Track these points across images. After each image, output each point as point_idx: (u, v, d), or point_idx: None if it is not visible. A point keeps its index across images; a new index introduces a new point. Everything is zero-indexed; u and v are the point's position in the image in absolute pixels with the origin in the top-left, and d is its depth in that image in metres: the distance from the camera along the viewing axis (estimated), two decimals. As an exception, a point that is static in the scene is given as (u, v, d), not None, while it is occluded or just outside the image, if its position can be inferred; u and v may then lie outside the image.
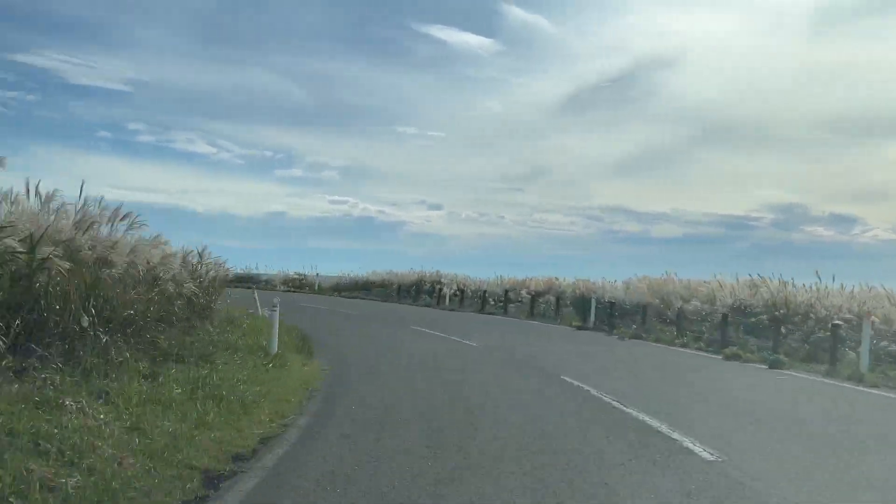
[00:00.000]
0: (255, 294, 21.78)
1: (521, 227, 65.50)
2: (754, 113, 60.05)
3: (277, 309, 12.30)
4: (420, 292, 35.13)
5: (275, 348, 11.68)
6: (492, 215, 69.61)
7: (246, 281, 46.94)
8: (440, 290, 32.59)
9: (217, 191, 69.78)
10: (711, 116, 62.16)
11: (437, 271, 36.92)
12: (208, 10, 59.57)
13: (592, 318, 21.65)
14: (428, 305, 31.84)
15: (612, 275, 27.99)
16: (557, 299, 25.54)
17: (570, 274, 30.66)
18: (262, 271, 49.10)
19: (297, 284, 43.72)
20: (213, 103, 67.01)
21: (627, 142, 65.57)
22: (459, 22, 68.87)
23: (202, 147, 65.21)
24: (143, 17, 59.32)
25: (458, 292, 32.07)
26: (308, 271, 45.55)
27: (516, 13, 61.35)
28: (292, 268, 47.22)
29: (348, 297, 36.68)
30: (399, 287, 36.12)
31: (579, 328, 21.32)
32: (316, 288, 41.14)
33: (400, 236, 64.60)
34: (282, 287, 42.92)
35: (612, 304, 21.45)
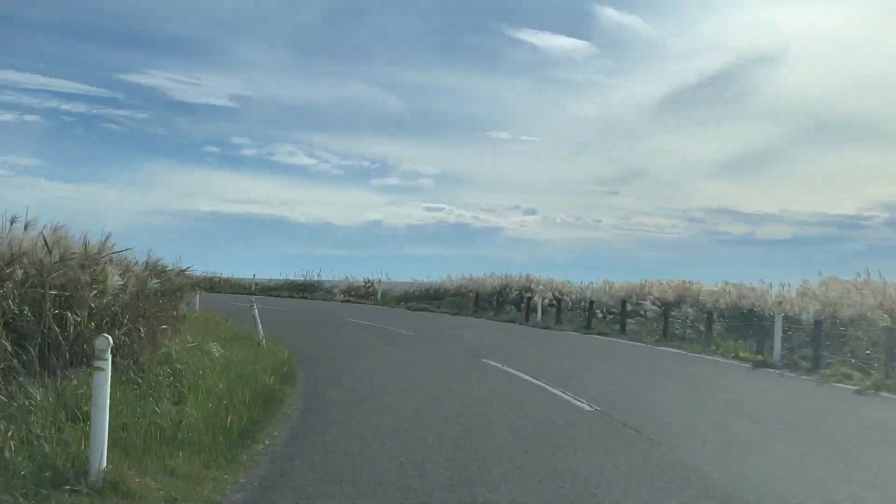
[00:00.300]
0: (255, 310, 14.99)
1: (618, 230, 63.39)
2: (864, 108, 55.81)
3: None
4: (504, 302, 27.43)
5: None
6: (587, 219, 67.62)
7: (303, 290, 40.98)
8: (529, 298, 24.79)
9: (317, 201, 73.11)
10: (818, 112, 58.75)
11: (527, 275, 29.11)
12: (307, 25, 61.06)
13: (778, 347, 13.24)
14: (513, 320, 24.12)
15: (713, 278, 21.32)
16: (708, 316, 17.07)
17: (669, 277, 23.60)
18: (325, 278, 42.89)
19: (362, 293, 36.92)
20: (312, 116, 68.85)
21: (729, 140, 62.66)
22: (552, 25, 68.16)
23: (302, 159, 67.08)
24: (246, 34, 62.90)
25: (553, 302, 24.18)
26: (378, 277, 38.74)
27: (610, 14, 59.69)
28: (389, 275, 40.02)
29: (415, 309, 29.47)
30: (477, 296, 28.53)
31: (757, 365, 13.04)
32: (378, 298, 34.18)
33: (496, 242, 63.95)
34: (341, 297, 36.31)
35: (817, 322, 12.98)
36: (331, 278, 42.54)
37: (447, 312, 27.73)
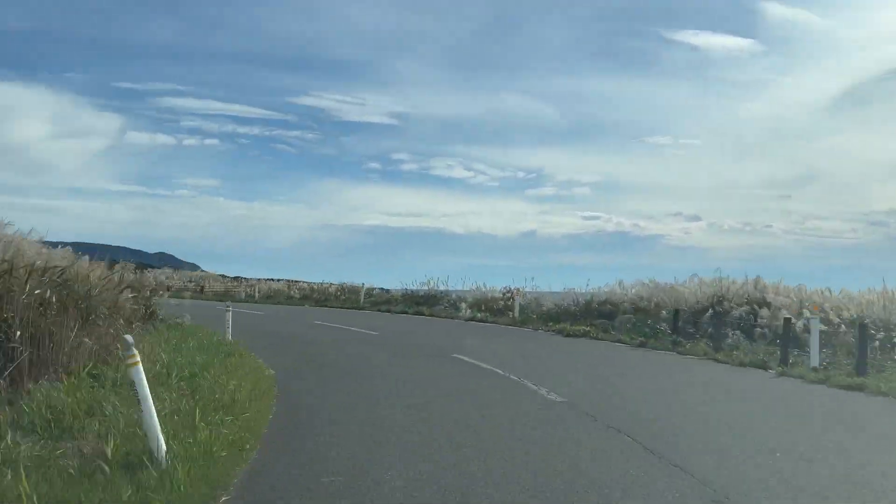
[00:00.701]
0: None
1: (791, 235, 56.08)
2: None
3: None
4: (722, 324, 16.33)
5: None
6: (757, 224, 55.59)
7: (422, 302, 31.89)
8: (789, 321, 13.67)
9: (474, 212, 69.31)
10: None
11: (756, 280, 17.85)
12: (463, 40, 62.57)
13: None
14: (762, 366, 13.01)
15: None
16: None
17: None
18: (452, 288, 33.55)
19: (498, 307, 27.03)
20: (468, 129, 69.52)
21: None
22: (714, 25, 59.31)
23: (460, 172, 67.56)
24: (406, 53, 63.05)
25: (840, 326, 12.94)
26: (520, 284, 28.70)
27: (777, 10, 51.02)
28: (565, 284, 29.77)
29: (571, 335, 19.12)
30: (676, 314, 17.48)
31: None
32: (516, 315, 24.06)
33: (656, 250, 54.78)
34: (468, 311, 26.62)
35: None
36: (459, 286, 33.09)
37: (623, 342, 17.08)
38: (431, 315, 27.59)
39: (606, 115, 62.31)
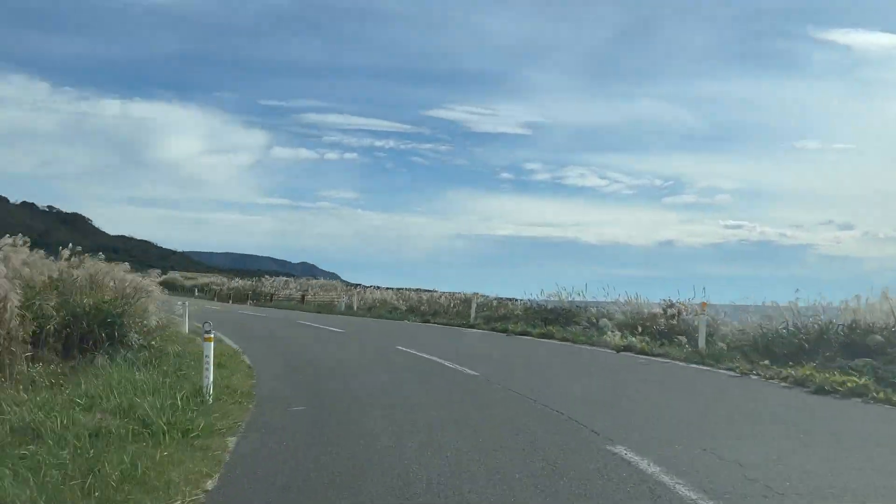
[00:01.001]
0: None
1: None
2: None
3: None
4: None
5: None
6: None
7: (552, 320, 23.82)
8: None
9: (608, 222, 61.69)
10: None
11: None
12: (596, 47, 54.99)
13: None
14: None
15: None
16: None
17: None
18: (594, 299, 25.24)
19: (660, 330, 18.53)
20: (602, 137, 61.75)
21: None
22: (868, 23, 46.31)
23: (593, 180, 60.46)
24: (539, 63, 58.07)
25: None
26: (689, 296, 19.97)
27: None
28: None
29: (850, 395, 10.40)
30: None
31: None
32: (701, 345, 15.13)
33: (805, 261, 42.87)
34: (616, 335, 18.15)
35: None
36: (603, 298, 24.66)
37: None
38: (564, 339, 19.54)
39: (750, 120, 52.11)
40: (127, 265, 15.65)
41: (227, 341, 17.20)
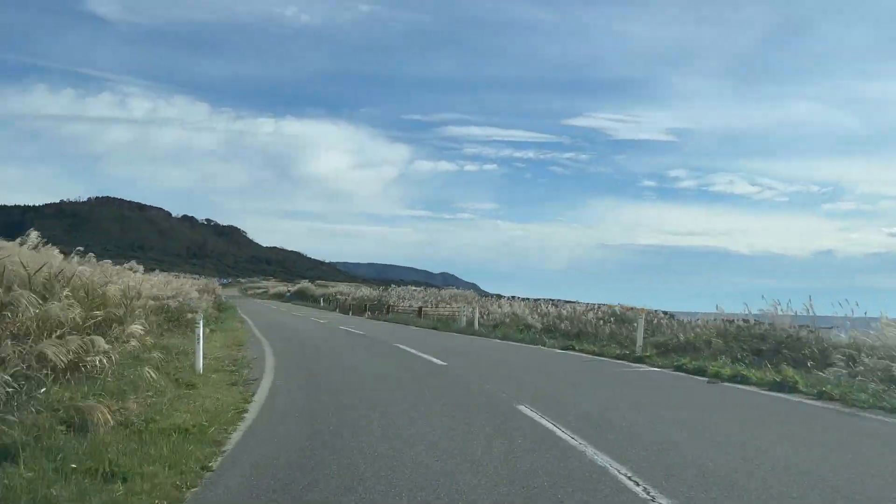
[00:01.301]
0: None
1: None
2: None
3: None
4: None
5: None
6: None
7: (776, 350, 15.02)
8: None
9: (759, 230, 51.88)
10: None
11: None
12: (746, 49, 46.37)
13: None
14: None
15: None
16: None
17: None
18: (797, 313, 16.23)
19: None
20: (753, 142, 52.62)
21: None
22: None
23: (743, 187, 52.01)
24: (684, 67, 50.38)
25: None
26: None
27: None
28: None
29: None
30: None
31: None
32: None
33: None
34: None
35: None
36: (827, 313, 15.93)
37: None
38: (825, 395, 10.84)
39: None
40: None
41: (264, 381, 10.64)
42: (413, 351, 18.07)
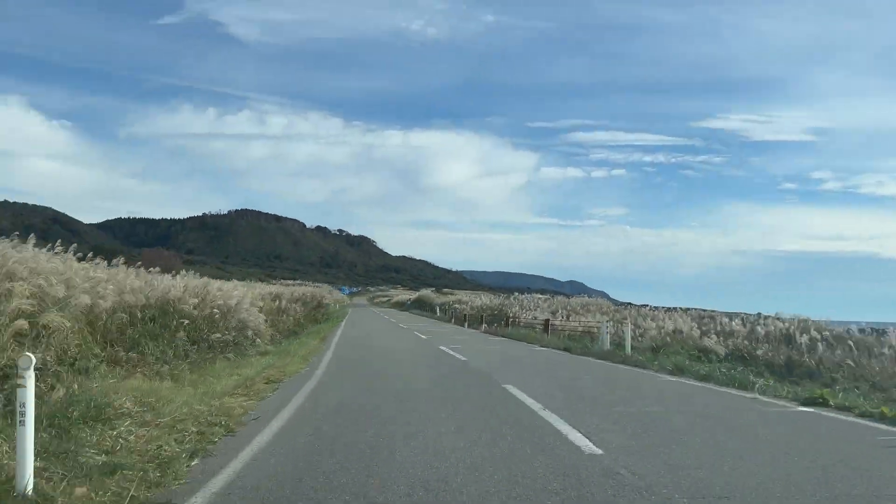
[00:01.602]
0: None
1: None
2: None
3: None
4: None
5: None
6: None
7: None
8: None
9: None
10: None
11: None
12: (894, 43, 32.30)
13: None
14: None
15: None
16: None
17: None
18: None
19: None
20: None
21: None
22: None
23: (894, 188, 42.49)
24: (825, 64, 41.94)
25: None
26: None
27: None
28: None
29: None
30: None
31: None
32: None
33: None
34: None
35: None
36: None
37: None
38: None
39: None
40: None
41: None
42: (537, 409, 10.24)
